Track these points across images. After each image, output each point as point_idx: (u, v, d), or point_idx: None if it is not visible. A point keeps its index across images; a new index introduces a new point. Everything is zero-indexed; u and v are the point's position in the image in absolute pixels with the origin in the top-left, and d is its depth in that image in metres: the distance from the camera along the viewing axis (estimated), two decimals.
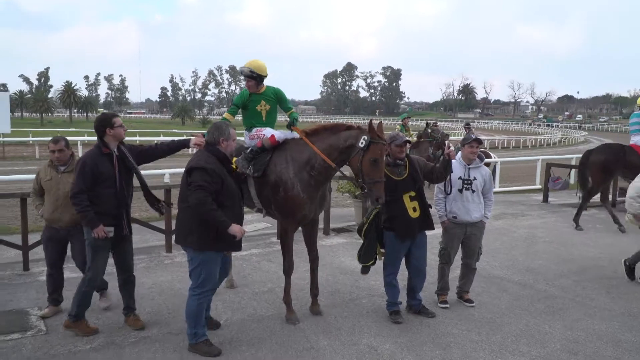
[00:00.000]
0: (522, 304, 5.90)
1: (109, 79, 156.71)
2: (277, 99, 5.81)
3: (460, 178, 5.61)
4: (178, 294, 5.87)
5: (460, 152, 5.77)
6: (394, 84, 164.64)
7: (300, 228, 5.45)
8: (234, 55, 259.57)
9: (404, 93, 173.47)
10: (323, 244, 8.51)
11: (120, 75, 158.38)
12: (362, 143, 4.80)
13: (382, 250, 5.35)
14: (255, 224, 10.02)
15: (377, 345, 4.74)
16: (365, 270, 5.49)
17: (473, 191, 5.59)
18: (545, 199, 13.54)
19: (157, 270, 6.80)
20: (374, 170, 4.75)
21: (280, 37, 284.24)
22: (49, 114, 79.97)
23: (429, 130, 13.83)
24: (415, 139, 14.50)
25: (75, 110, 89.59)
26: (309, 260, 5.51)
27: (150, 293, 5.92)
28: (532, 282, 6.70)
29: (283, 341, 4.79)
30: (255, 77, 5.61)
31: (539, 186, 15.73)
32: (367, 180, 4.77)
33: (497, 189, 15.34)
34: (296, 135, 5.34)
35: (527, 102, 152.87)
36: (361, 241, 5.42)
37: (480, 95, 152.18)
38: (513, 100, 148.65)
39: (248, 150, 5.40)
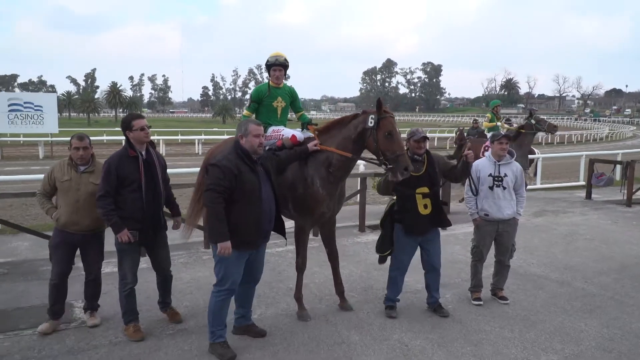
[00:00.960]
0: (559, 301, 5.81)
1: (152, 79, 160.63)
2: (292, 97, 5.81)
3: (490, 175, 5.56)
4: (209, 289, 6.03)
5: (490, 149, 5.71)
6: (434, 80, 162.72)
7: (319, 229, 5.46)
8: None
9: (444, 89, 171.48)
10: (358, 240, 8.58)
11: (164, 76, 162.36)
12: (371, 122, 4.84)
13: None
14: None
15: (408, 341, 4.78)
16: (382, 260, 5.54)
17: (504, 188, 5.53)
18: (589, 196, 13.22)
19: (196, 266, 7.00)
20: (392, 143, 4.74)
21: (320, 35, 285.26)
22: (96, 114, 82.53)
23: (532, 122, 12.02)
24: (507, 127, 13.95)
25: (121, 110, 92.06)
26: (329, 259, 5.56)
27: (188, 287, 6.11)
28: (569, 280, 6.59)
29: (315, 335, 4.88)
30: (287, 65, 5.64)
31: (582, 183, 15.33)
32: (389, 156, 4.74)
33: (538, 185, 15.08)
34: (311, 134, 5.39)
35: (573, 96, 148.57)
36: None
37: (523, 90, 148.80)
38: (558, 95, 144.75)
39: (267, 148, 5.26)
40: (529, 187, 15.40)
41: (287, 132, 5.43)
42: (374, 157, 5.04)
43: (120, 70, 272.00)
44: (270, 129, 5.51)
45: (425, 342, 4.75)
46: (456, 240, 8.18)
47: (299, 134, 5.39)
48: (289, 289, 6.16)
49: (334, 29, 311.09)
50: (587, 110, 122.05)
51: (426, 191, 5.13)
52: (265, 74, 5.87)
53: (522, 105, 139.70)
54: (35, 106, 26.52)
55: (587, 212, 11.44)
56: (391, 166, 4.73)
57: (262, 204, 4.36)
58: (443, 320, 5.26)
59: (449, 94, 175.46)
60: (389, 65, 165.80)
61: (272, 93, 5.63)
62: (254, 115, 5.70)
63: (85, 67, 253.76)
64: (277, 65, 5.57)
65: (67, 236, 4.77)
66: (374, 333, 4.94)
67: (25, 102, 26.83)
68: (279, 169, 4.92)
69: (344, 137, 5.04)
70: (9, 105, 26.58)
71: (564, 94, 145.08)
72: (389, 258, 5.51)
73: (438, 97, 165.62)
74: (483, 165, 5.63)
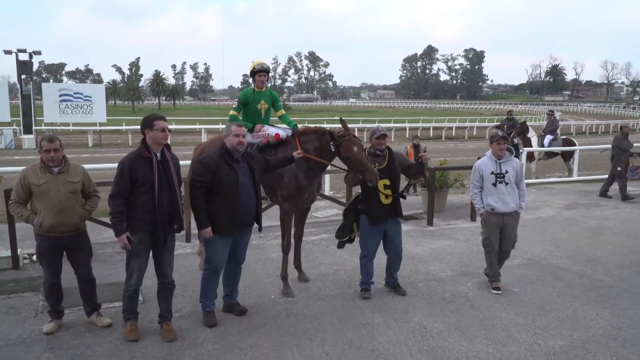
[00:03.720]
0: (575, 292, 6.13)
1: (194, 67, 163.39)
2: (273, 99, 6.61)
3: (492, 173, 6.02)
4: (254, 273, 6.61)
5: (490, 149, 6.17)
6: (476, 67, 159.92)
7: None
8: (313, 41, 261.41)
9: (486, 76, 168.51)
10: None
11: (205, 64, 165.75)
12: (332, 148, 5.60)
13: (356, 231, 5.99)
14: (327, 211, 10.65)
15: (427, 324, 5.22)
16: (340, 245, 6.18)
17: (506, 183, 5.99)
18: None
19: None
20: (354, 163, 5.47)
21: (360, 21, 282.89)
22: (140, 102, 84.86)
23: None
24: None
25: (164, 98, 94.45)
26: (295, 237, 6.32)
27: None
28: (590, 272, 6.86)
29: (343, 317, 5.37)
30: (269, 71, 6.57)
31: None
32: (358, 172, 5.46)
33: (575, 177, 15.10)
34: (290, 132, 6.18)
35: (622, 83, 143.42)
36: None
37: (569, 76, 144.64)
38: (606, 82, 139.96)
39: (255, 147, 6.12)
40: (560, 179, 15.45)
41: (272, 130, 6.27)
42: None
43: (163, 58, 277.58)
44: (257, 127, 6.31)
45: (442, 325, 5.18)
46: None
47: (282, 132, 6.15)
48: (321, 274, 6.67)
49: (375, 15, 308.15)
50: (637, 97, 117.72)
51: (387, 183, 5.68)
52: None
53: (567, 93, 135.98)
54: (85, 96, 27.73)
55: (619, 205, 11.51)
56: (360, 178, 5.52)
57: (239, 197, 4.93)
58: (462, 306, 5.67)
59: (491, 81, 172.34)
60: (429, 51, 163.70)
61: (256, 97, 6.43)
62: (240, 115, 6.48)
63: (129, 56, 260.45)
64: (262, 72, 6.39)
65: (54, 241, 4.76)
66: (397, 316, 5.41)
67: (75, 93, 28.10)
68: (267, 170, 5.54)
69: (319, 147, 5.77)
70: (60, 96, 27.88)
71: (612, 81, 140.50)
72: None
73: (480, 84, 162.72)
74: (485, 164, 6.10)
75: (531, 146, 15.34)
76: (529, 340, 4.88)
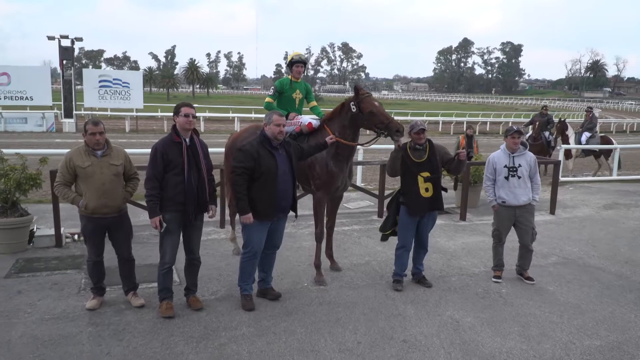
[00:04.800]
0: (612, 293, 6.02)
1: (228, 56, 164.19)
2: (307, 91, 6.80)
3: (505, 166, 6.07)
4: (287, 260, 6.70)
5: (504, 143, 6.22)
6: (513, 61, 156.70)
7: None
8: (346, 32, 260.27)
9: (523, 70, 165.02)
10: None
11: (239, 53, 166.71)
12: (354, 108, 5.79)
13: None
14: (359, 202, 10.68)
15: (459, 318, 5.21)
16: (384, 238, 6.22)
17: (519, 177, 6.03)
18: None
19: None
20: (377, 118, 5.67)
21: (395, 13, 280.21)
22: (175, 90, 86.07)
23: None
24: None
25: (198, 86, 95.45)
26: (327, 227, 6.41)
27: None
28: (628, 274, 6.73)
29: (374, 307, 5.41)
30: (306, 63, 6.69)
31: None
32: (381, 127, 5.65)
33: (614, 177, 14.76)
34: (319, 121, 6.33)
35: None
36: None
37: (611, 72, 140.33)
38: None
39: (287, 135, 6.11)
40: (599, 178, 15.11)
41: (305, 119, 6.34)
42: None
43: (198, 47, 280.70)
44: (290, 115, 6.39)
45: (475, 320, 5.17)
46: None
47: (314, 121, 6.25)
48: (353, 264, 6.72)
49: (410, 7, 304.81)
50: None
51: (427, 175, 5.71)
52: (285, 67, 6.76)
53: (608, 89, 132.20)
54: (123, 83, 28.26)
55: None
56: (386, 134, 5.64)
57: (277, 184, 5.06)
58: (495, 302, 5.64)
59: (528, 75, 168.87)
60: (465, 44, 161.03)
61: (292, 86, 6.62)
62: (275, 103, 6.61)
63: (166, 44, 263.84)
64: (300, 63, 6.57)
65: (98, 221, 4.95)
66: (429, 308, 5.41)
67: (114, 79, 28.67)
68: (301, 158, 5.63)
69: (342, 124, 5.96)
70: (100, 82, 28.48)
71: None
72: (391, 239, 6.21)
73: (516, 78, 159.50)
74: (499, 158, 6.17)
75: (568, 143, 15.06)
76: (564, 339, 4.83)
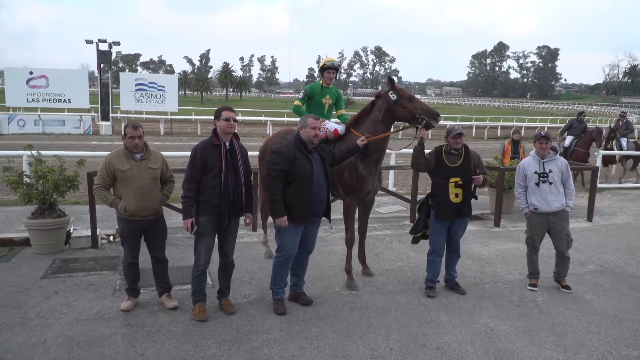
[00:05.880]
0: None
1: (261, 60, 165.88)
2: (337, 97, 6.78)
3: (535, 172, 5.96)
4: (318, 264, 6.70)
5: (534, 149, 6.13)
6: (549, 65, 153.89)
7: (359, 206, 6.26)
8: (379, 36, 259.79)
9: (560, 74, 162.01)
10: None
11: (272, 57, 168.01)
12: (393, 97, 5.77)
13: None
14: (391, 207, 10.61)
15: (494, 326, 5.11)
16: (415, 240, 6.16)
17: (550, 183, 5.89)
18: None
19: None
20: (416, 104, 5.73)
21: (428, 16, 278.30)
22: (208, 93, 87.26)
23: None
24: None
25: (231, 90, 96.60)
26: (359, 232, 6.42)
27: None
28: None
29: (407, 312, 5.35)
30: (338, 69, 6.65)
31: None
32: (420, 113, 5.64)
33: None
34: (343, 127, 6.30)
35: None
36: None
37: None
38: None
39: None
40: (634, 184, 14.70)
41: (331, 126, 6.23)
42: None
43: (232, 50, 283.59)
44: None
45: (510, 328, 5.06)
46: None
47: (340, 127, 6.19)
48: (384, 269, 6.67)
49: (444, 10, 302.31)
50: None
51: (459, 182, 5.65)
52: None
53: None
54: (159, 86, 28.86)
55: None
56: (425, 119, 5.59)
57: (312, 187, 5.03)
58: (531, 311, 5.51)
59: (564, 80, 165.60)
60: (500, 48, 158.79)
61: (323, 91, 6.62)
62: (304, 106, 6.64)
63: (200, 48, 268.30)
64: (332, 69, 6.55)
65: (136, 224, 5.02)
66: (462, 316, 5.33)
67: (150, 82, 29.29)
68: (333, 164, 5.57)
69: (373, 121, 5.92)
70: (136, 85, 29.14)
71: None
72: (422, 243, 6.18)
73: (553, 82, 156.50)
74: (528, 164, 6.07)
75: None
76: (601, 349, 4.68)
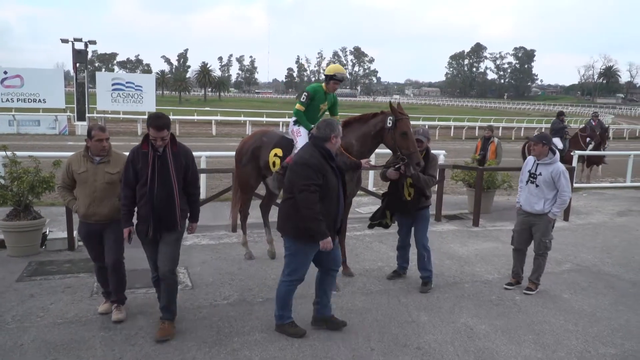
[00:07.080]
0: (628, 301, 5.94)
1: (240, 60, 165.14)
2: (334, 102, 6.65)
3: (529, 171, 6.09)
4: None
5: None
6: (525, 66, 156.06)
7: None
8: (359, 36, 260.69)
9: (536, 75, 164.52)
10: (433, 229, 8.88)
11: (251, 57, 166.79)
12: (389, 123, 5.68)
13: (388, 217, 6.23)
14: (370, 207, 10.63)
15: (473, 325, 5.16)
16: (370, 226, 6.44)
17: (537, 185, 5.96)
18: None
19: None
20: (407, 142, 5.59)
21: (407, 17, 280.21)
22: (186, 93, 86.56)
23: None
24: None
25: (209, 90, 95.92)
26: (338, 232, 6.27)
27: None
28: None
29: (387, 313, 5.37)
30: (342, 81, 6.49)
31: None
32: (404, 153, 5.59)
33: (628, 183, 14.62)
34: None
35: None
36: None
37: (624, 78, 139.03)
38: None
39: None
40: (612, 184, 15.00)
41: (301, 141, 6.07)
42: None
43: (210, 50, 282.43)
44: (296, 126, 6.39)
45: (489, 327, 5.11)
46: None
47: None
48: (365, 270, 6.68)
49: (422, 12, 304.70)
50: None
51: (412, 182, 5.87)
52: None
53: (621, 95, 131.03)
54: (136, 86, 28.53)
55: None
56: (406, 161, 5.57)
57: (339, 202, 4.64)
58: (509, 309, 5.58)
59: (541, 81, 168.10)
60: (477, 49, 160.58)
61: (323, 96, 6.45)
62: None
63: (178, 47, 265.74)
64: (338, 80, 6.33)
65: (89, 226, 4.87)
66: (442, 315, 5.36)
67: (127, 82, 28.94)
68: None
69: (364, 133, 5.94)
70: (113, 85, 28.77)
71: None
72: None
73: (529, 83, 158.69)
74: (528, 162, 6.21)
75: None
76: (579, 347, 4.76)
